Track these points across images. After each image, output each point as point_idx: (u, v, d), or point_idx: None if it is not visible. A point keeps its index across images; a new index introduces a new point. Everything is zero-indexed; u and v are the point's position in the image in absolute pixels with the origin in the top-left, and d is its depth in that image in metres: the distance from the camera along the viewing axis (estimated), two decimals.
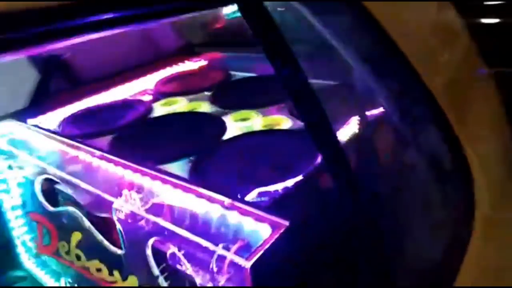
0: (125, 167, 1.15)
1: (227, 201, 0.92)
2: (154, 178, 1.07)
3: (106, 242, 1.17)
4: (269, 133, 1.32)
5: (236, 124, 1.49)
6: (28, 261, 1.73)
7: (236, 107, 1.60)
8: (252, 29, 0.65)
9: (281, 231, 0.80)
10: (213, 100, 1.71)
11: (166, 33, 2.36)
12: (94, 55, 1.99)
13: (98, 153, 1.25)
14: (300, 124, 1.42)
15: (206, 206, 0.95)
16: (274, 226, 0.82)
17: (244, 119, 1.52)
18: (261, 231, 0.83)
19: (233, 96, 1.74)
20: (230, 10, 2.49)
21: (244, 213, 0.88)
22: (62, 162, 1.34)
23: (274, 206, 0.89)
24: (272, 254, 0.75)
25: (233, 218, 0.89)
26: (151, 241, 0.99)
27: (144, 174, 1.10)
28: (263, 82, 1.86)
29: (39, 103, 1.80)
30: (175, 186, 1.02)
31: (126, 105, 1.82)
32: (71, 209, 1.29)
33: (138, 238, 1.04)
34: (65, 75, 1.91)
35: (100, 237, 1.18)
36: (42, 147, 1.48)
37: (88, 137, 1.51)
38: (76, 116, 1.75)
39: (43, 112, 1.75)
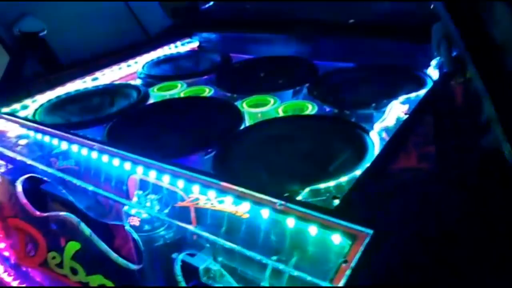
0: (135, 162, 0.94)
1: (279, 202, 0.74)
2: (175, 174, 0.88)
3: (113, 254, 0.96)
4: (298, 120, 1.14)
5: (251, 110, 1.31)
6: (3, 274, 1.48)
7: (246, 91, 1.41)
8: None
9: (365, 241, 0.63)
10: (218, 84, 1.51)
11: (152, 12, 2.12)
12: (75, 35, 1.74)
13: (97, 145, 1.03)
14: (324, 109, 1.26)
15: (250, 208, 0.77)
16: (352, 235, 0.65)
17: (259, 105, 1.33)
18: (334, 241, 0.66)
19: (240, 79, 1.55)
20: None
21: (305, 218, 0.71)
22: (49, 157, 1.11)
23: (342, 208, 0.72)
24: (362, 274, 0.59)
25: (290, 224, 0.72)
26: (181, 256, 0.79)
27: (161, 170, 0.90)
28: (270, 64, 1.68)
29: (11, 87, 1.54)
30: (206, 184, 0.83)
31: (114, 90, 1.59)
32: (64, 213, 1.07)
33: (159, 250, 0.85)
34: (42, 55, 1.65)
35: (105, 247, 0.98)
36: (21, 139, 1.24)
37: (77, 127, 1.29)
38: (58, 103, 1.51)
39: (17, 98, 1.50)
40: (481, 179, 0.83)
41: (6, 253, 1.44)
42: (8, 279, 1.49)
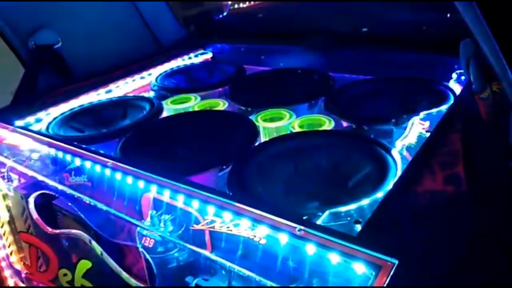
0: (149, 180, 0.92)
1: (299, 227, 0.71)
2: (190, 194, 0.85)
3: (125, 274, 0.94)
4: (315, 136, 1.11)
5: (265, 125, 1.28)
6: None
7: (260, 105, 1.38)
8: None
9: (389, 272, 0.59)
10: (232, 98, 1.49)
11: (166, 23, 2.11)
12: (89, 47, 1.74)
13: (110, 161, 1.01)
14: (341, 124, 1.23)
15: (267, 233, 0.74)
16: (375, 265, 0.62)
17: (274, 119, 1.31)
18: (356, 270, 0.63)
19: (254, 93, 1.53)
20: None
21: (325, 244, 0.67)
22: (62, 172, 1.10)
23: (365, 234, 0.68)
24: None
25: (310, 250, 0.68)
26: (196, 280, 0.77)
27: (175, 189, 0.87)
28: (284, 76, 1.66)
29: (25, 100, 1.54)
30: (221, 206, 0.80)
31: (128, 102, 1.58)
32: (75, 231, 1.05)
33: (173, 272, 0.83)
34: (56, 68, 1.65)
35: (117, 267, 0.95)
36: (34, 153, 1.23)
37: (89, 141, 1.27)
38: (71, 116, 1.50)
39: (31, 111, 1.49)
40: None
41: (18, 267, 1.43)
42: None
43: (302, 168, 0.97)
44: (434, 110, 1.12)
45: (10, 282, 1.47)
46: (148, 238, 0.84)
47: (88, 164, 1.06)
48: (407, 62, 1.56)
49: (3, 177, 1.27)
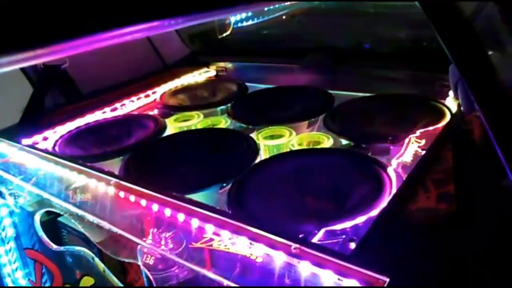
0: (151, 198, 0.95)
1: (294, 246, 0.72)
2: (190, 213, 0.87)
3: None
4: (313, 154, 1.13)
5: (265, 143, 1.31)
6: None
7: (261, 122, 1.41)
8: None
9: None
10: (233, 115, 1.52)
11: (170, 42, 2.17)
12: (95, 66, 1.78)
13: (114, 180, 1.04)
14: (340, 141, 1.25)
15: (265, 251, 0.75)
16: (367, 282, 0.63)
17: (274, 136, 1.33)
18: None
19: (256, 110, 1.56)
20: (238, 17, 2.34)
21: (320, 263, 0.69)
22: (66, 190, 1.13)
23: (358, 253, 0.70)
24: None
25: (305, 269, 0.70)
26: None
27: (176, 207, 0.90)
28: (285, 94, 1.69)
29: (33, 119, 1.58)
30: (220, 224, 0.82)
31: (133, 121, 1.61)
32: (79, 248, 1.07)
33: None
34: (63, 87, 1.70)
35: (119, 284, 0.97)
36: (40, 172, 1.27)
37: (94, 160, 1.30)
38: (77, 134, 1.54)
39: (38, 129, 1.53)
40: (504, 220, 0.80)
41: (22, 283, 1.45)
42: None
43: (300, 186, 0.99)
44: (430, 128, 1.14)
45: None
46: (149, 256, 0.86)
47: (92, 182, 1.09)
48: (405, 79, 1.59)
49: (10, 194, 1.30)
